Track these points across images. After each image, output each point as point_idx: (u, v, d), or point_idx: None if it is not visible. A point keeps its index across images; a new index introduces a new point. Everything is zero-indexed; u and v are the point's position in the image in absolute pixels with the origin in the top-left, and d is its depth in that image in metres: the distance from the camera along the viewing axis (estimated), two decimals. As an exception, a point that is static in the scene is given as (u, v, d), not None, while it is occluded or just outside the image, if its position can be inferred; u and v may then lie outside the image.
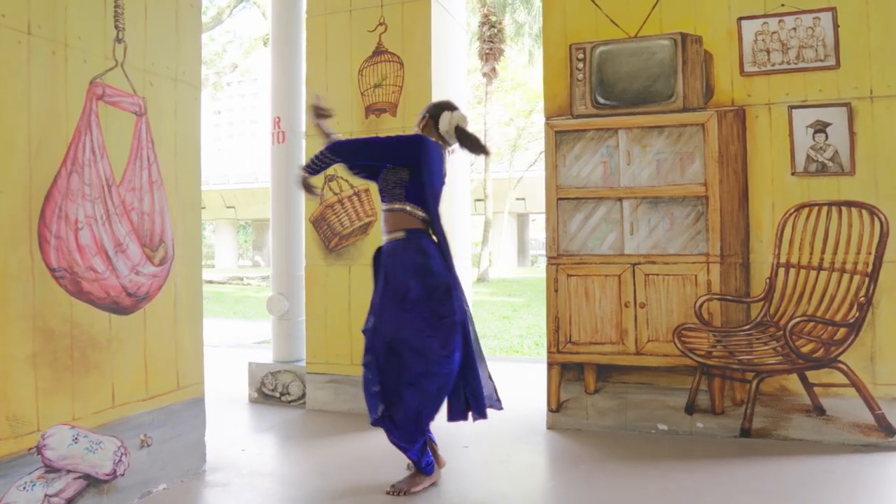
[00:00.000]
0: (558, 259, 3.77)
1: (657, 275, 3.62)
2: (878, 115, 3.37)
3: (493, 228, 24.09)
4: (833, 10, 3.44)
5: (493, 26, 18.72)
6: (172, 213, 2.96)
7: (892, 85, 3.36)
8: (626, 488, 2.84)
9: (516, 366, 6.00)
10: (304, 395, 4.31)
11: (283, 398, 4.41)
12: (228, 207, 34.34)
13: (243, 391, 4.61)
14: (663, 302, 3.61)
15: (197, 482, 2.95)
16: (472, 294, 5.20)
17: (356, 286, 4.13)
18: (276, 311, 4.60)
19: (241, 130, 53.32)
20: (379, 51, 4.19)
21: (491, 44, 18.83)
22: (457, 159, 3.97)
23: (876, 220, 3.33)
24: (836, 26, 3.44)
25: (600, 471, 3.06)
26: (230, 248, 36.47)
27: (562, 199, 3.77)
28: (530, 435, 3.65)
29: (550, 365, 3.77)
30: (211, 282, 21.16)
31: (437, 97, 4.07)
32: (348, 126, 4.19)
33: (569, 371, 3.73)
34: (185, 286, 3.01)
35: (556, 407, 3.73)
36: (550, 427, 3.72)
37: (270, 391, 4.45)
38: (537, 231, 34.70)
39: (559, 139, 3.78)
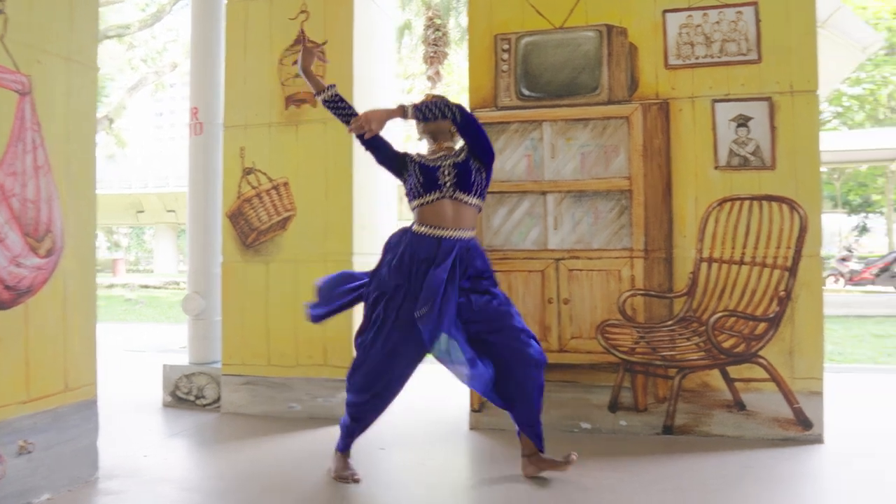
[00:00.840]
0: (482, 254, 3.65)
1: (581, 270, 3.54)
2: (798, 110, 3.37)
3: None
4: (755, 4, 3.43)
5: (438, 29, 18.64)
6: (63, 202, 2.75)
7: (812, 80, 3.36)
8: (544, 488, 2.74)
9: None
10: (219, 399, 4.10)
11: (198, 402, 4.18)
12: (169, 211, 33.37)
13: (157, 395, 4.37)
14: (587, 298, 3.53)
15: (87, 490, 2.73)
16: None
17: (274, 283, 3.95)
18: (191, 310, 4.38)
19: (183, 133, 51.99)
20: (300, 40, 4.02)
21: (435, 47, 18.73)
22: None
23: (795, 214, 3.32)
24: (758, 20, 3.43)
25: (520, 470, 2.95)
26: (170, 252, 35.43)
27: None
28: (452, 435, 3.53)
29: (474, 363, 3.65)
30: (147, 286, 20.52)
31: (359, 88, 3.93)
32: (267, 117, 4.02)
33: (492, 369, 3.62)
34: (75, 280, 2.79)
35: (479, 407, 3.61)
36: (473, 427, 3.60)
37: (185, 395, 4.23)
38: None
39: (483, 131, 3.68)
